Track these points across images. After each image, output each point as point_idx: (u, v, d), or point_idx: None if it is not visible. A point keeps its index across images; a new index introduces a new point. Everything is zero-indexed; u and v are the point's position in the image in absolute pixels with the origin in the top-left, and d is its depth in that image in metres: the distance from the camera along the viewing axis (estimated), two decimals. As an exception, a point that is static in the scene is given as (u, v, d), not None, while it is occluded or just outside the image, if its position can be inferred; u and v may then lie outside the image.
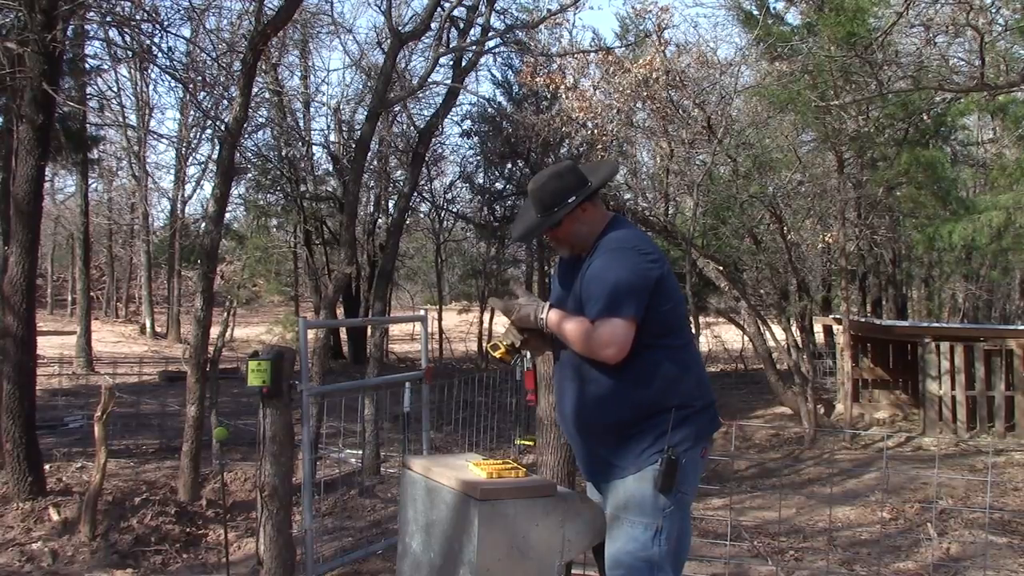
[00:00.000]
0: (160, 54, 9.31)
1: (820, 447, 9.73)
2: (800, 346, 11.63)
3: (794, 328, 12.22)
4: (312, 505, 4.48)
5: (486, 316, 20.02)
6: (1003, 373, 9.93)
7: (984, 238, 10.17)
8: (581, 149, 14.36)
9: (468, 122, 18.52)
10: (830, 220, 11.59)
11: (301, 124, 19.54)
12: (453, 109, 14.17)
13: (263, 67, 12.84)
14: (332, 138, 19.11)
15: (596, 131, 11.31)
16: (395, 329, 25.54)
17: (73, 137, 14.55)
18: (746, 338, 14.31)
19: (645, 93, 10.29)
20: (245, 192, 21.21)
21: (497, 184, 18.57)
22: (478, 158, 18.53)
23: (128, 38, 8.93)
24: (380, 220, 19.26)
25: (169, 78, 14.32)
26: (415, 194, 15.38)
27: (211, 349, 7.49)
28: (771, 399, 12.66)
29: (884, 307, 16.80)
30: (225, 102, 10.97)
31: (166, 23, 8.71)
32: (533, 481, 2.83)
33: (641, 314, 2.53)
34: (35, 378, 6.70)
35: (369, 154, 13.93)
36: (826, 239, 11.02)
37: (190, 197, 27.25)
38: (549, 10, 11.56)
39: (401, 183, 17.18)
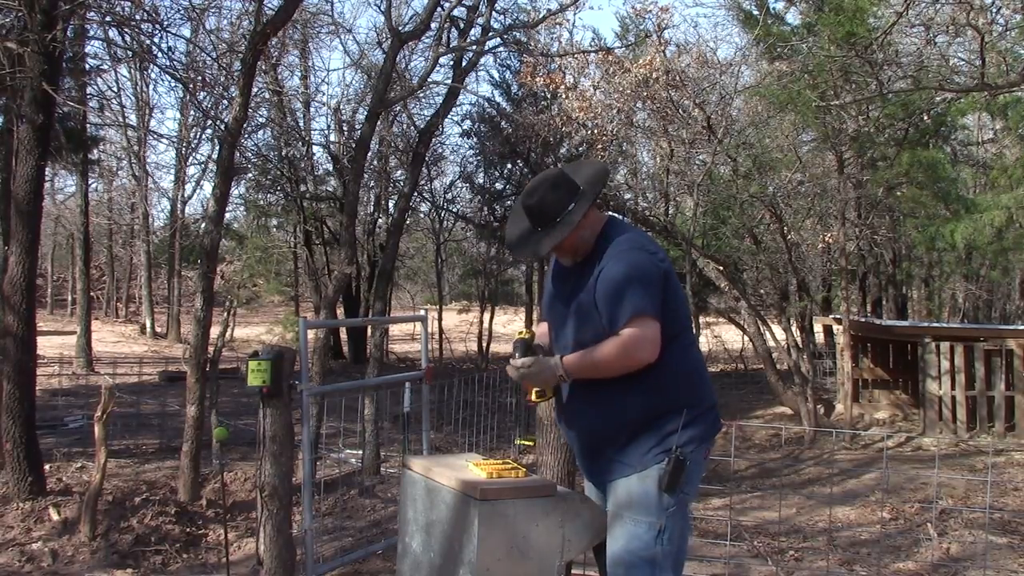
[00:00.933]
0: (160, 54, 9.30)
1: (820, 447, 9.73)
2: (800, 346, 11.64)
3: (794, 328, 12.22)
4: (312, 505, 4.48)
5: (486, 316, 20.02)
6: (1003, 373, 9.93)
7: (985, 238, 10.17)
8: (581, 149, 14.36)
9: (468, 122, 18.53)
10: (830, 220, 11.60)
11: (301, 124, 19.54)
12: (453, 109, 14.16)
13: (263, 67, 12.83)
14: (332, 138, 19.11)
15: (596, 131, 11.31)
16: (395, 329, 25.54)
17: (73, 137, 14.56)
18: (746, 338, 14.31)
19: (645, 93, 10.29)
20: (245, 192, 21.24)
21: (497, 184, 18.57)
22: (478, 158, 18.52)
23: (128, 38, 8.93)
24: (380, 220, 19.26)
25: (169, 78, 14.36)
26: (415, 194, 15.37)
27: (211, 349, 7.48)
28: (771, 399, 12.66)
29: (884, 307, 16.80)
30: (225, 102, 10.97)
31: (166, 23, 8.72)
32: (533, 481, 2.82)
33: (660, 312, 2.55)
34: (35, 378, 6.69)
35: (369, 154, 13.93)
36: (826, 239, 11.02)
37: (190, 197, 27.31)
38: (549, 10, 11.54)
39: (401, 183, 17.19)
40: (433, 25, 10.13)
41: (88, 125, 16.74)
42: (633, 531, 2.57)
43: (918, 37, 10.80)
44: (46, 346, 15.50)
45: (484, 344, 19.70)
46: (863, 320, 12.60)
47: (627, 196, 17.17)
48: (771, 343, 12.17)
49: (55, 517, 5.74)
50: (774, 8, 12.28)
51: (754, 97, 11.16)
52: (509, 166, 17.92)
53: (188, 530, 5.88)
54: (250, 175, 19.46)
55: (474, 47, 11.18)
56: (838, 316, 12.17)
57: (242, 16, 12.24)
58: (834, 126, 10.46)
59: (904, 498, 6.96)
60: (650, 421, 2.58)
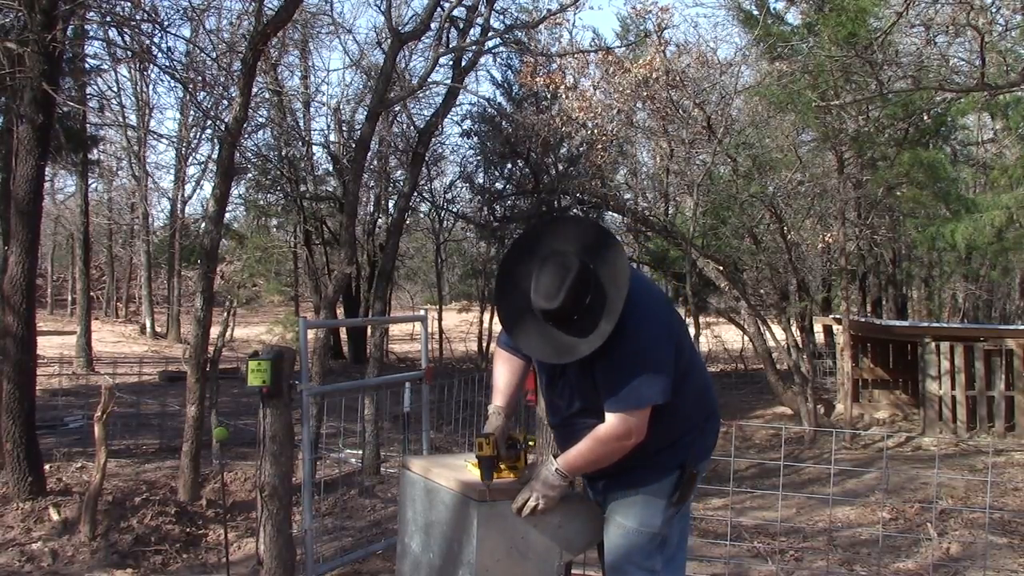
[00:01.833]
0: (160, 54, 9.33)
1: (820, 447, 9.73)
2: (800, 346, 11.64)
3: (794, 328, 12.22)
4: (312, 505, 4.48)
5: (486, 316, 20.02)
6: (1003, 373, 9.94)
7: (985, 238, 10.17)
8: (581, 149, 14.37)
9: (468, 122, 18.50)
10: (830, 220, 11.60)
11: (301, 124, 19.54)
12: (453, 109, 14.15)
13: (263, 67, 12.83)
14: (332, 138, 19.11)
15: (596, 131, 11.32)
16: (395, 329, 25.54)
17: (73, 137, 14.57)
18: (746, 338, 14.31)
19: (645, 93, 10.31)
20: (245, 192, 21.23)
21: (497, 184, 18.56)
22: (478, 158, 18.51)
23: (128, 38, 8.92)
24: (380, 220, 19.25)
25: (169, 78, 14.36)
26: (415, 194, 15.37)
27: (211, 349, 7.48)
28: (771, 399, 12.66)
29: (884, 307, 16.81)
30: (225, 102, 10.96)
31: (166, 23, 8.72)
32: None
33: (668, 395, 2.42)
34: (35, 378, 6.69)
35: (369, 154, 13.92)
36: (826, 239, 11.03)
37: (190, 197, 27.30)
38: (549, 10, 11.53)
39: (401, 183, 17.16)
40: (433, 25, 10.12)
41: (88, 125, 16.75)
42: (636, 541, 2.56)
43: (918, 37, 10.81)
44: (46, 346, 15.50)
45: (484, 344, 19.69)
46: (863, 320, 12.60)
47: (627, 196, 17.19)
48: (771, 343, 12.17)
49: (55, 517, 5.74)
50: (774, 8, 12.28)
51: (754, 97, 11.16)
52: (509, 166, 17.92)
53: (188, 530, 5.88)
54: (250, 175, 19.46)
55: (474, 47, 11.17)
56: (838, 316, 12.17)
57: (242, 16, 12.23)
58: (834, 126, 10.46)
59: (904, 498, 6.96)
60: (662, 447, 2.55)
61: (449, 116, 14.74)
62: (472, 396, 8.52)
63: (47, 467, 6.80)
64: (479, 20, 11.15)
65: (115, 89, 20.93)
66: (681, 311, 16.35)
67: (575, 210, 15.03)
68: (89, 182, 21.61)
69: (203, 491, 6.68)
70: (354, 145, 12.93)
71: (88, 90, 15.80)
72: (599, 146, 11.74)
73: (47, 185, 14.39)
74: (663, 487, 2.54)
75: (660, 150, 13.09)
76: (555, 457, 2.60)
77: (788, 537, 5.69)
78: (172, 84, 24.52)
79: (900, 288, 17.31)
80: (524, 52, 13.13)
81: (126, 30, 8.48)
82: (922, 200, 11.10)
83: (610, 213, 16.54)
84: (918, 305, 19.21)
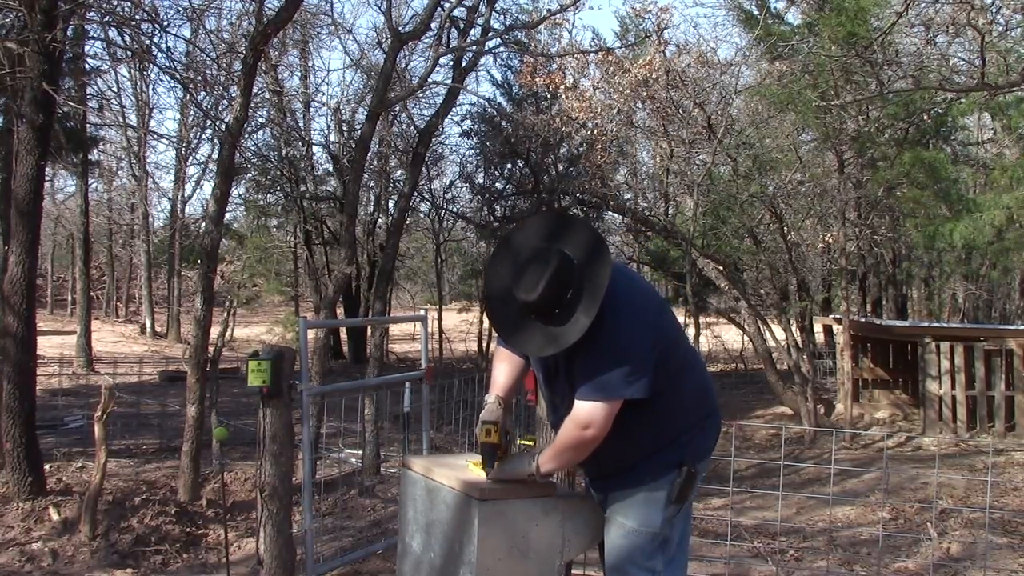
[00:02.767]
0: (160, 54, 9.33)
1: (820, 447, 9.73)
2: (800, 346, 11.64)
3: (794, 328, 12.22)
4: (312, 505, 4.48)
5: (486, 316, 19.99)
6: (1003, 373, 9.94)
7: (985, 238, 10.17)
8: (581, 149, 14.37)
9: (468, 122, 18.51)
10: (830, 220, 11.61)
11: (301, 124, 19.55)
12: (453, 109, 14.16)
13: (263, 67, 12.83)
14: (332, 138, 19.12)
15: (596, 131, 11.32)
16: (395, 329, 25.54)
17: (73, 137, 14.58)
18: (746, 338, 14.31)
19: (645, 93, 10.31)
20: (245, 192, 21.26)
21: (497, 184, 18.56)
22: (478, 158, 18.51)
23: (128, 38, 8.92)
24: (380, 220, 19.25)
25: (169, 78, 14.35)
26: (415, 194, 15.36)
27: (211, 349, 7.49)
28: (771, 399, 12.66)
29: (884, 307, 16.81)
30: (225, 102, 10.97)
31: (166, 23, 8.73)
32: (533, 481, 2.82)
33: (645, 390, 2.42)
34: (35, 378, 6.69)
35: (369, 154, 13.92)
36: (826, 239, 11.03)
37: (190, 197, 27.31)
38: (549, 10, 11.53)
39: (401, 183, 17.16)
40: (433, 25, 10.12)
41: (88, 125, 16.75)
42: (636, 542, 2.56)
43: (918, 37, 10.82)
44: (46, 346, 15.50)
45: (484, 344, 19.69)
46: (863, 320, 12.60)
47: (627, 196, 17.19)
48: (771, 343, 12.16)
49: (55, 517, 5.74)
50: (774, 8, 12.29)
51: (754, 97, 11.17)
52: (509, 166, 17.92)
53: (188, 530, 5.88)
54: (250, 175, 19.48)
55: (474, 47, 11.18)
56: (838, 316, 12.17)
57: (242, 16, 12.26)
58: (834, 126, 10.46)
59: (904, 498, 6.96)
60: (662, 446, 2.56)
61: (449, 116, 14.75)
62: (472, 396, 8.52)
63: (47, 467, 6.80)
64: (479, 20, 11.16)
65: (115, 89, 20.97)
66: (681, 311, 16.41)
67: (575, 210, 15.03)
68: (89, 182, 21.63)
69: (203, 491, 6.68)
70: (354, 145, 12.93)
71: (88, 90, 15.80)
72: (599, 146, 11.74)
73: (47, 185, 14.39)
74: (663, 485, 2.54)
75: (660, 150, 13.09)
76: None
77: (788, 537, 5.69)
78: (172, 84, 24.56)
79: (900, 288, 17.31)
80: (524, 52, 13.15)
81: (126, 30, 8.48)
82: (922, 200, 11.10)
83: (610, 213, 16.55)
84: (918, 305, 19.22)
